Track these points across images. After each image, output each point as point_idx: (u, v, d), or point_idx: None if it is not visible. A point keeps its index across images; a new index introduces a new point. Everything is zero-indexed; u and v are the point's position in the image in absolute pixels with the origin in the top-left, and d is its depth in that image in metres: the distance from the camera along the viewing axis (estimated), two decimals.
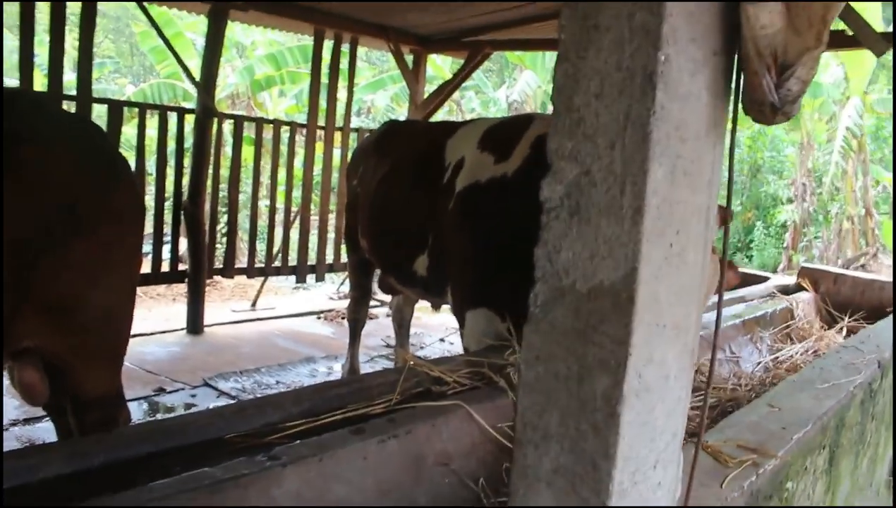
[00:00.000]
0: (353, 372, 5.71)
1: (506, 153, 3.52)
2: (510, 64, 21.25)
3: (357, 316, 5.71)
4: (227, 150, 8.63)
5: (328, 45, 8.04)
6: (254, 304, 9.37)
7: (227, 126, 7.84)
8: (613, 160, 0.98)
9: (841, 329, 5.58)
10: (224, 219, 8.80)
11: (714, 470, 1.54)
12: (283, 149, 8.12)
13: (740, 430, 1.83)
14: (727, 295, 5.30)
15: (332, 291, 10.35)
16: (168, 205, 7.40)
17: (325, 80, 8.17)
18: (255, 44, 14.82)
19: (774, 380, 4.29)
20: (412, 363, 2.94)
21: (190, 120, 7.29)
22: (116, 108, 6.64)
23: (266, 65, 12.57)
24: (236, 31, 14.10)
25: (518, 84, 17.71)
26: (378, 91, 17.03)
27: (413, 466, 2.27)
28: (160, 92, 12.19)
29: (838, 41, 7.22)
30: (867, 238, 15.05)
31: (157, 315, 8.58)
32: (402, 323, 5.86)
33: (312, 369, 6.72)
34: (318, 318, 8.92)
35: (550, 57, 19.25)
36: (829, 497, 2.18)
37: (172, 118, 7.11)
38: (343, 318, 8.08)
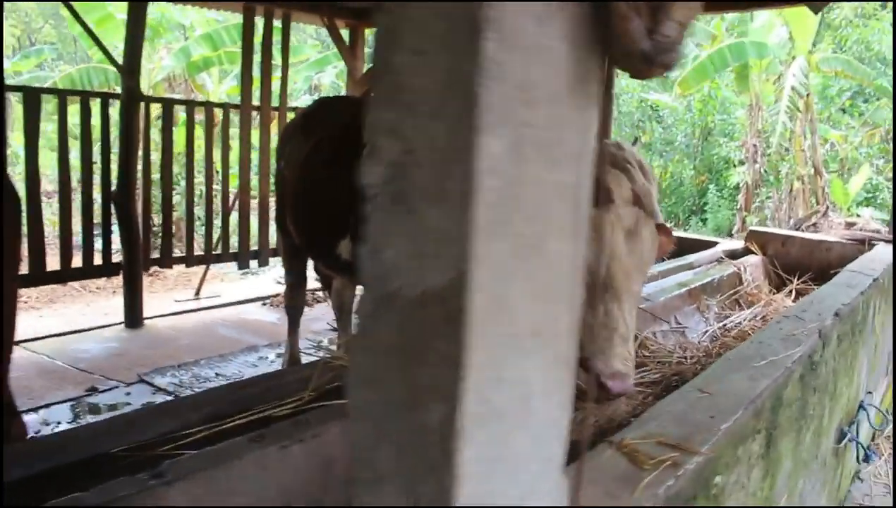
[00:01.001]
0: (293, 362, 5.50)
1: None
2: None
3: (294, 303, 5.49)
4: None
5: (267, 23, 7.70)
6: (197, 293, 9.07)
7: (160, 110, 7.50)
8: (438, 133, 0.78)
9: (790, 292, 5.50)
10: (158, 207, 8.47)
11: (628, 476, 1.37)
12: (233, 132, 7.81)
13: (664, 422, 1.66)
14: (673, 263, 5.15)
15: (279, 275, 10.09)
16: (98, 195, 7.08)
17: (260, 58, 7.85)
18: (193, 24, 14.29)
19: (721, 350, 4.17)
20: (327, 356, 2.76)
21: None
22: (33, 96, 6.27)
23: (202, 45, 12.10)
24: (174, 11, 13.62)
25: None
26: (325, 68, 16.63)
27: (321, 471, 2.09)
28: (90, 77, 11.66)
29: None
30: (817, 197, 15.16)
31: (95, 309, 8.24)
32: (342, 307, 5.65)
33: (255, 358, 6.50)
34: (264, 304, 8.66)
35: None
36: (767, 481, 2.05)
37: (98, 105, 6.77)
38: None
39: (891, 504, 5.22)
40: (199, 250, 8.69)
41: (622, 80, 20.44)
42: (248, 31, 7.55)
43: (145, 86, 12.84)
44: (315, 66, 16.11)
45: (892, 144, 14.38)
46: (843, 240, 5.93)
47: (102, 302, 8.55)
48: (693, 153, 19.79)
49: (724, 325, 4.65)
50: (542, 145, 0.85)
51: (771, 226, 15.43)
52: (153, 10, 14.12)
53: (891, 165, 15.39)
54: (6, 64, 6.14)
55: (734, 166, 18.13)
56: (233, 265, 9.23)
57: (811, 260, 5.91)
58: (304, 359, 6.15)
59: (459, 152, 0.76)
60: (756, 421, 1.87)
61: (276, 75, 8.15)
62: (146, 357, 6.40)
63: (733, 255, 5.91)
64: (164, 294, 9.19)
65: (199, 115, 8.47)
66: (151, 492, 1.78)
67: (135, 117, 6.78)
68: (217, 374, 6.08)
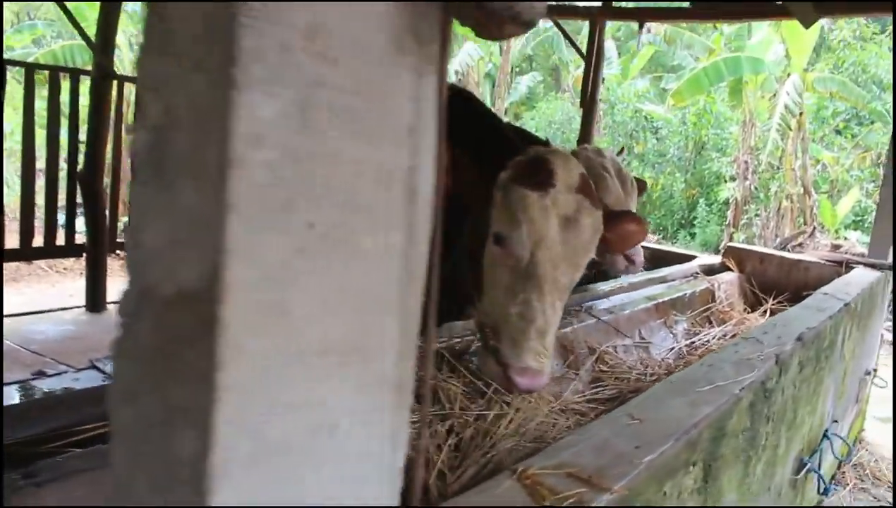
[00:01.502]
0: None
1: None
2: (458, 36, 20.81)
3: None
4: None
5: None
6: None
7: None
8: (199, 88, 0.61)
9: (765, 311, 5.36)
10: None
11: None
12: None
13: (582, 451, 1.49)
14: (646, 276, 4.99)
15: None
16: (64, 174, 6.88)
17: None
18: None
19: (686, 367, 4.04)
20: None
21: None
22: None
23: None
24: None
25: (459, 55, 17.27)
26: None
27: None
28: (73, 53, 11.42)
29: (769, 10, 7.03)
30: (805, 217, 15.06)
31: (60, 291, 8.06)
32: None
33: None
34: None
35: None
36: None
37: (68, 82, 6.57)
38: None
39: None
40: None
41: (618, 90, 20.37)
42: None
43: (130, 64, 12.65)
44: None
45: (891, 163, 14.24)
46: (822, 260, 5.79)
47: (68, 284, 8.37)
48: (685, 166, 19.71)
49: (692, 343, 4.49)
50: (346, 113, 0.67)
51: (757, 244, 15.34)
52: None
53: (878, 190, 15.30)
54: None
55: (725, 181, 18.05)
56: None
57: (788, 279, 5.77)
58: None
59: (218, 112, 0.60)
60: (690, 452, 1.71)
61: None
62: (103, 342, 6.08)
63: (710, 271, 5.77)
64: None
65: None
66: (21, 492, 1.62)
67: (105, 96, 6.58)
68: None
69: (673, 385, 2.06)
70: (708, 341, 4.57)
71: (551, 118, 20.31)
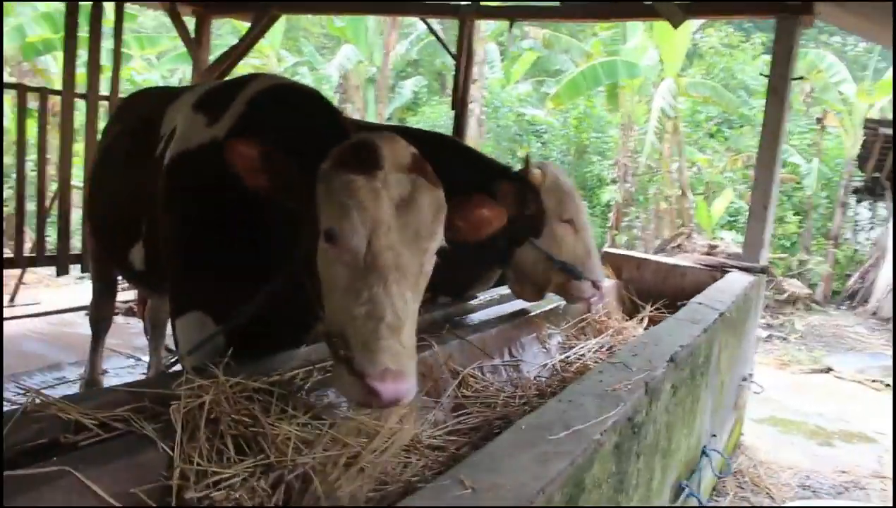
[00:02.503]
0: (92, 385, 4.77)
1: (219, 114, 2.81)
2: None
3: (100, 314, 4.77)
4: None
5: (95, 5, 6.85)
6: (12, 299, 8.08)
7: None
8: None
9: (642, 319, 5.19)
10: None
11: None
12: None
13: None
14: None
15: None
16: None
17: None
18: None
19: (562, 385, 3.76)
20: (36, 400, 2.12)
21: None
22: None
23: (41, 25, 10.94)
24: None
25: (336, 58, 16.78)
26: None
27: None
28: None
29: (638, 11, 6.98)
30: (683, 218, 15.40)
31: None
32: (156, 322, 5.01)
33: (53, 378, 5.66)
34: (87, 314, 7.77)
35: (374, 30, 18.50)
36: None
37: None
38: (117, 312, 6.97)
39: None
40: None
41: (501, 94, 20.39)
42: (71, 13, 6.69)
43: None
44: (181, 59, 15.07)
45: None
46: (698, 265, 5.70)
47: None
48: (568, 169, 19.88)
49: (567, 358, 4.24)
50: None
51: (638, 246, 15.59)
52: None
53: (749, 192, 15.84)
54: None
55: (606, 184, 18.32)
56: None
57: (665, 285, 5.65)
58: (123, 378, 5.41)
59: None
60: None
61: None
62: None
63: None
64: None
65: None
66: None
67: None
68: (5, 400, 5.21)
69: (522, 433, 1.73)
70: (583, 355, 4.34)
71: (435, 122, 20.11)
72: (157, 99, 3.60)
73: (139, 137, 3.34)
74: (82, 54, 7.10)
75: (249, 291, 2.53)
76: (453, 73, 6.82)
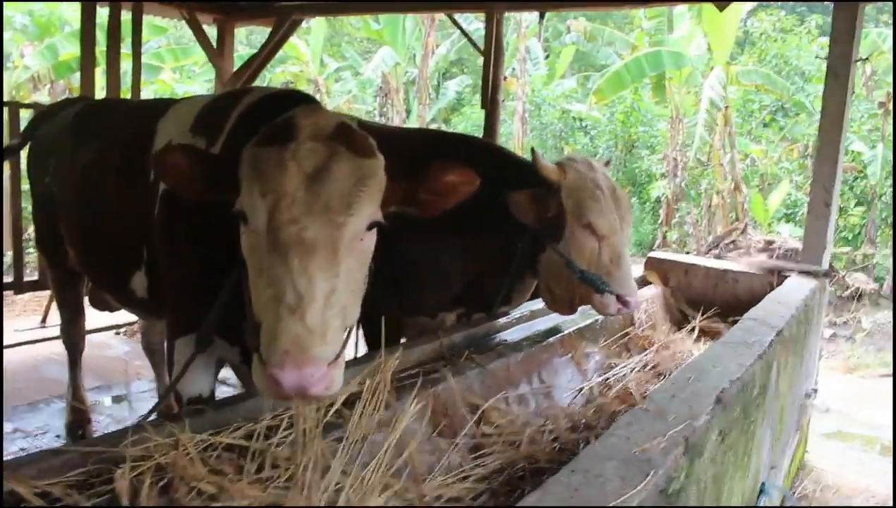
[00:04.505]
0: (76, 410, 4.78)
1: (215, 135, 2.65)
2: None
3: (72, 338, 4.73)
4: None
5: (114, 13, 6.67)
6: (43, 321, 7.97)
7: None
8: None
9: (692, 330, 4.75)
10: None
11: None
12: None
13: None
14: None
15: None
16: None
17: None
18: (64, 20, 12.92)
19: (596, 418, 3.35)
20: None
21: None
22: None
23: (73, 43, 10.88)
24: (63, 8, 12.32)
25: (373, 61, 16.52)
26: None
27: None
28: None
29: None
30: (737, 213, 14.71)
31: None
32: (152, 348, 4.81)
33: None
34: (118, 334, 7.62)
35: (411, 32, 18.19)
36: None
37: None
38: None
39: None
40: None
41: (544, 91, 19.93)
42: (87, 21, 6.52)
43: (7, 89, 11.56)
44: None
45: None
46: (752, 270, 5.20)
47: None
48: (616, 165, 19.30)
49: (606, 379, 3.83)
50: None
51: (690, 243, 14.98)
52: (41, 7, 12.83)
53: (809, 182, 15.05)
54: None
55: (656, 179, 17.70)
56: None
57: (716, 292, 5.18)
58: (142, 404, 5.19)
59: None
60: None
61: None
62: None
63: None
64: (8, 322, 8.02)
65: None
66: None
67: None
68: (16, 430, 5.07)
69: None
70: (625, 375, 3.92)
71: (479, 122, 19.73)
72: (137, 112, 3.37)
73: (128, 157, 3.11)
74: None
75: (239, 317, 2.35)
76: None
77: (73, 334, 4.70)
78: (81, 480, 1.85)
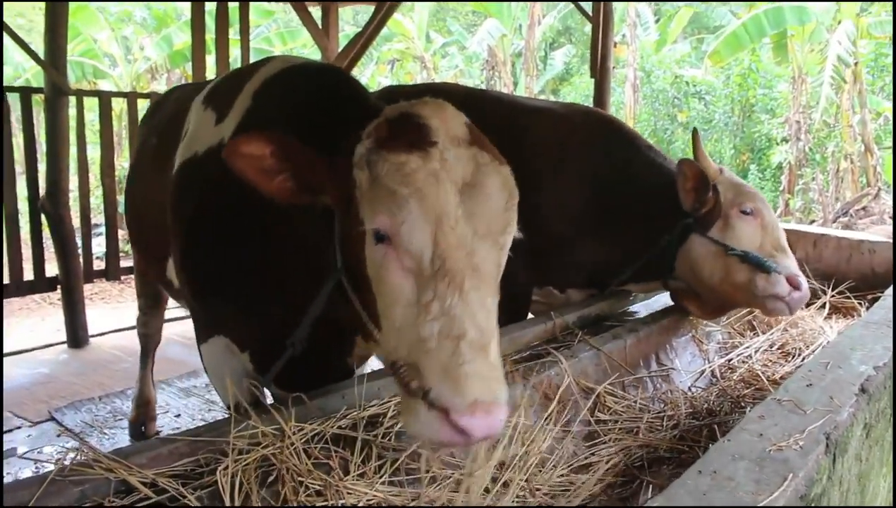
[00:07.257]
0: (142, 405, 4.68)
1: (226, 110, 2.42)
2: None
3: (147, 330, 4.58)
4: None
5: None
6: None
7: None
8: None
9: (823, 306, 4.41)
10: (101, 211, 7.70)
11: None
12: None
13: None
14: None
15: None
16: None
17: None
18: (179, 11, 13.35)
19: (721, 399, 3.15)
20: (79, 457, 1.86)
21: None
22: None
23: (186, 32, 11.25)
24: None
25: (478, 33, 16.34)
26: None
27: None
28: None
29: None
30: (868, 177, 13.74)
31: (49, 326, 7.53)
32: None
33: (191, 384, 5.64)
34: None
35: (517, 3, 17.85)
36: None
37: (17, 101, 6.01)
38: None
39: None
40: None
41: (654, 57, 19.21)
42: (198, 11, 6.69)
43: (127, 80, 12.13)
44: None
45: None
46: (891, 239, 4.78)
47: (61, 317, 7.80)
48: (734, 131, 18.41)
49: (729, 361, 3.60)
50: None
51: (815, 211, 14.14)
52: None
53: None
54: None
55: (777, 144, 16.76)
56: None
57: (849, 265, 4.79)
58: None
59: None
60: None
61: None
62: (71, 386, 5.65)
63: None
64: (133, 304, 8.41)
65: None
66: None
67: (60, 114, 5.98)
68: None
69: None
70: (750, 356, 3.68)
71: (588, 92, 19.25)
72: (187, 93, 3.15)
73: (165, 138, 2.94)
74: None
75: (275, 311, 2.23)
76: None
77: (147, 324, 4.54)
78: (188, 470, 1.86)
